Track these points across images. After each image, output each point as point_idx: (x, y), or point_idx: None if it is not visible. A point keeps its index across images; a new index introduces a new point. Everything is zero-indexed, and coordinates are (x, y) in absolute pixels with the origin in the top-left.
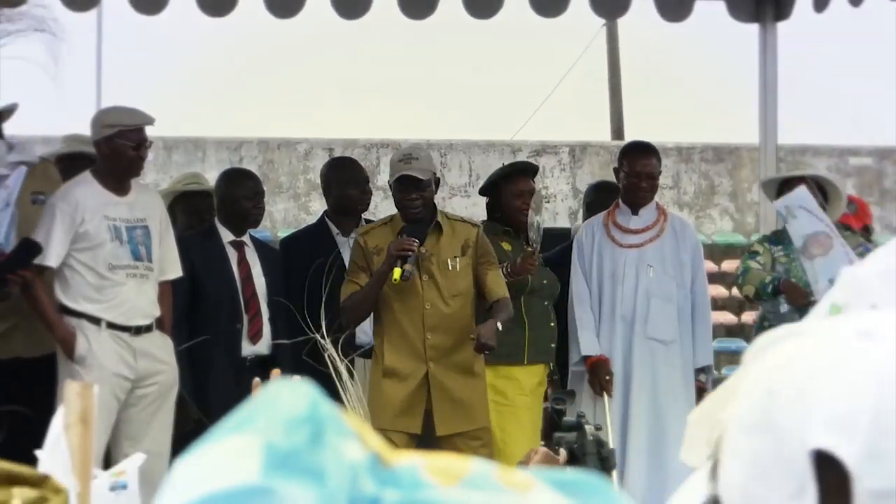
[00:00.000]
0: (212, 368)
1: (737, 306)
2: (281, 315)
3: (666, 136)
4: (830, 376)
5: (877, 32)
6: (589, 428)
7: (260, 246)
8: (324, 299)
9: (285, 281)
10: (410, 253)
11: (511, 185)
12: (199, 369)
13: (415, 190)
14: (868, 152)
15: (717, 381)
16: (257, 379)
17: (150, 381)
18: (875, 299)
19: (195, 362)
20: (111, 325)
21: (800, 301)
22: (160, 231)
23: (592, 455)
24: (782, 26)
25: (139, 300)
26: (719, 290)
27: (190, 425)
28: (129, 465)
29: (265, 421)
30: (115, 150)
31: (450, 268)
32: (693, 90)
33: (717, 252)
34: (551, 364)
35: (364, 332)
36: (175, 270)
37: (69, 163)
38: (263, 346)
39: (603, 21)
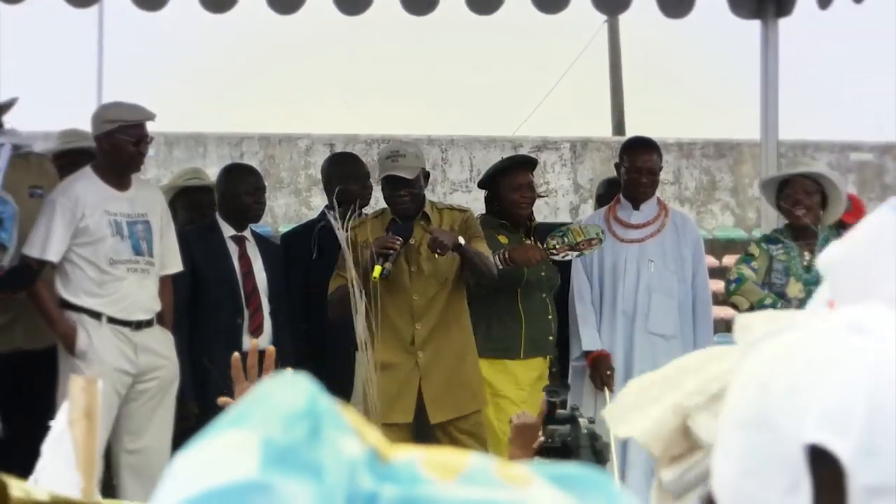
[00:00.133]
0: (212, 363)
1: None
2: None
3: (667, 132)
4: (824, 371)
5: (880, 29)
6: (583, 421)
7: (261, 241)
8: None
9: (286, 276)
10: (392, 251)
11: (509, 179)
12: (200, 364)
13: (403, 187)
14: (869, 148)
15: None
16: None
17: (150, 375)
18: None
19: (196, 357)
20: (112, 320)
21: None
22: (161, 226)
23: (586, 448)
24: (784, 23)
25: (140, 295)
26: (720, 286)
27: (191, 420)
28: None
29: (263, 416)
30: (115, 146)
31: (437, 256)
32: (694, 86)
33: (717, 247)
34: (551, 357)
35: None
36: (176, 265)
37: (66, 159)
38: (264, 341)
39: (604, 17)
